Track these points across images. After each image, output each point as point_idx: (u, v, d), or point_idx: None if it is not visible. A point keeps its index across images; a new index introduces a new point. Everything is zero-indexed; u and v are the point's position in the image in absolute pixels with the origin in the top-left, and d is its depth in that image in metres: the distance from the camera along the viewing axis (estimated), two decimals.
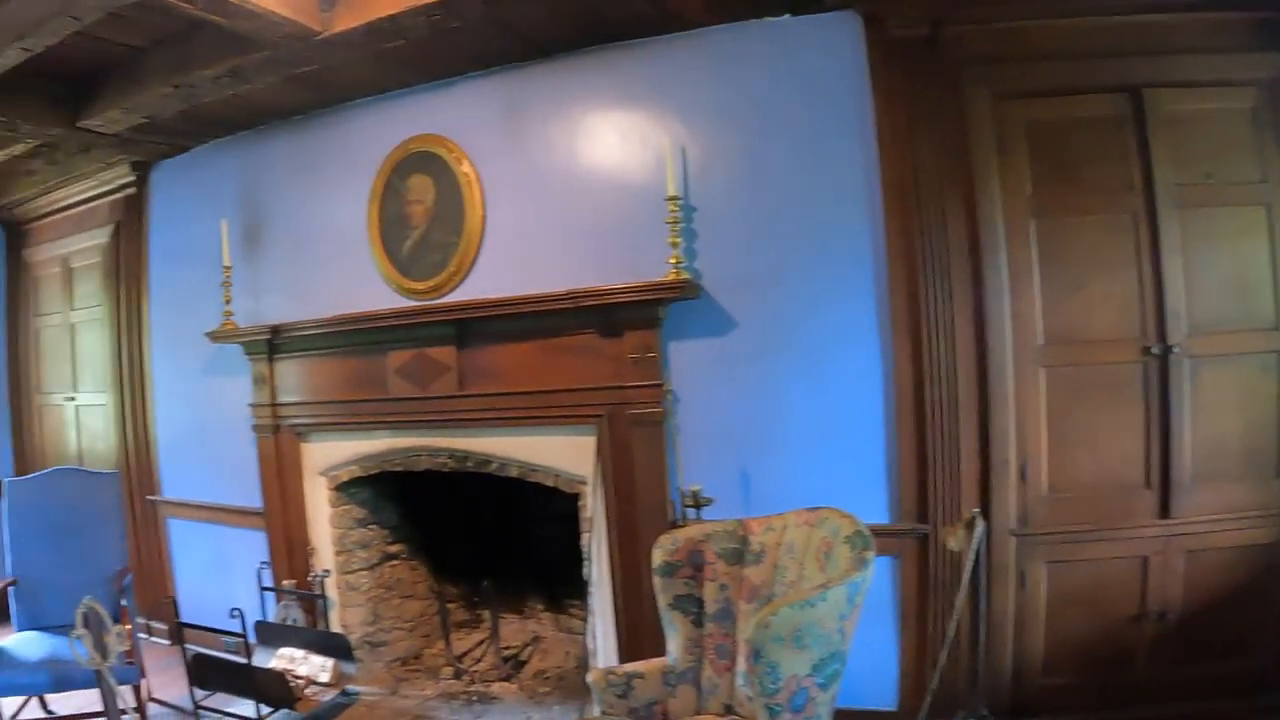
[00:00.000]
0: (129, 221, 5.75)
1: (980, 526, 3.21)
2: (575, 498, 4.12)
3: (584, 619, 4.11)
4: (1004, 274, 3.48)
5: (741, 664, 3.07)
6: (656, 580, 3.23)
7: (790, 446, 3.75)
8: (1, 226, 6.89)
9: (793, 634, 2.52)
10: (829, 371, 3.68)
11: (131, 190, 5.71)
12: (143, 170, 5.64)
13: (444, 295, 4.40)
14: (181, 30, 3.83)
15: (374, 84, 4.46)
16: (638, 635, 3.94)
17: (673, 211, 3.71)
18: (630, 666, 3.18)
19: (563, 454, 4.09)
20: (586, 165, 4.08)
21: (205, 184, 5.35)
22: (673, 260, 3.70)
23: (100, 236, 5.97)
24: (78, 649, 3.29)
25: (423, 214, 4.44)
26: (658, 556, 3.24)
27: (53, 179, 5.96)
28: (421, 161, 4.42)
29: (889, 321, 3.58)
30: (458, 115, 4.34)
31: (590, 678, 3.15)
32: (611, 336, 3.88)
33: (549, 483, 4.16)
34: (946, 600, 3.51)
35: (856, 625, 2.73)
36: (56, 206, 6.30)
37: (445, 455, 4.44)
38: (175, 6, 3.29)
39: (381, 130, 4.57)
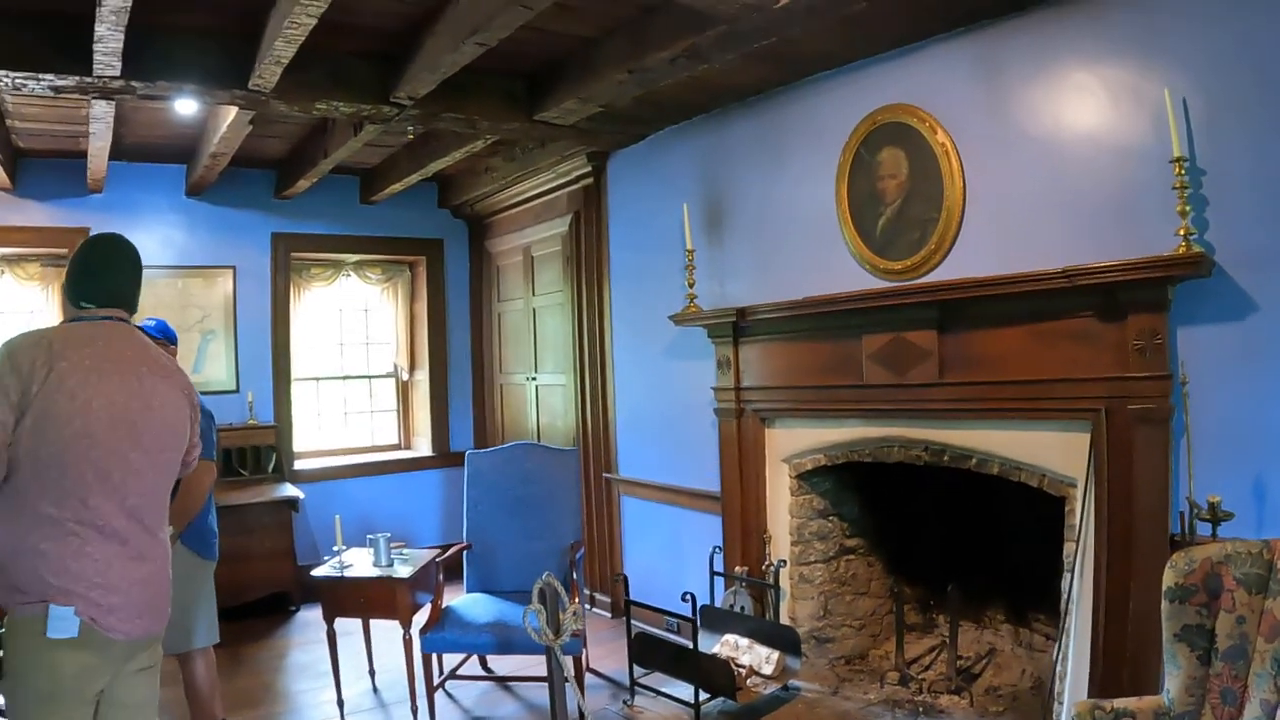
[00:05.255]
0: (587, 210, 6.36)
1: None
2: (1055, 501, 3.89)
3: (1048, 636, 3.88)
4: None
5: (1251, 714, 2.71)
6: (1165, 605, 2.94)
7: None
8: (465, 222, 7.94)
9: None
10: None
11: (589, 181, 6.31)
12: (599, 161, 6.20)
13: (923, 275, 4.31)
14: (634, 16, 4.09)
15: (835, 55, 4.50)
16: (1115, 664, 3.64)
17: (1179, 175, 3.33)
18: (1121, 702, 2.93)
19: (1050, 452, 3.87)
20: (1073, 127, 3.80)
21: (663, 170, 5.75)
22: (1181, 232, 3.32)
23: (559, 226, 6.66)
24: (530, 622, 3.56)
25: (896, 189, 4.39)
26: (1170, 577, 2.94)
27: (511, 174, 6.74)
28: (891, 133, 4.38)
29: None
30: (927, 81, 4.25)
31: (1076, 709, 2.96)
32: (1112, 321, 3.59)
33: (1033, 483, 3.95)
34: None
35: None
36: (515, 200, 7.15)
37: (920, 447, 4.37)
38: None
39: (845, 103, 4.60)
